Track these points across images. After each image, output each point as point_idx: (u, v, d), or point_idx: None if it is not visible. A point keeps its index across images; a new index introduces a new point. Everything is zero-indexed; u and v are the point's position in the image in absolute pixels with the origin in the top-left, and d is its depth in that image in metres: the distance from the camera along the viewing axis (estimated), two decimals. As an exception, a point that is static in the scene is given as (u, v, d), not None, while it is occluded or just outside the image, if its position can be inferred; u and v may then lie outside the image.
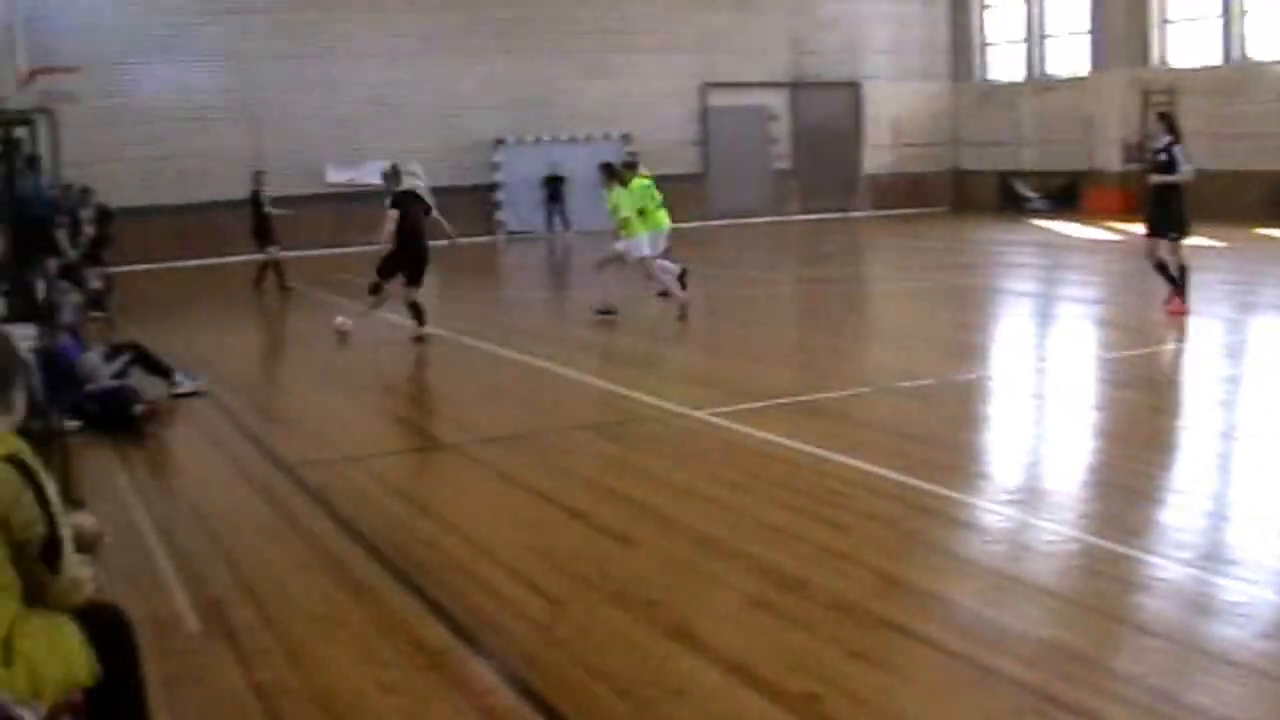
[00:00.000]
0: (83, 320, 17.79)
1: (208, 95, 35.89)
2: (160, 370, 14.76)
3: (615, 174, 20.82)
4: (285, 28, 36.68)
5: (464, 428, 12.47)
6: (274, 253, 26.93)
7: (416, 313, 18.52)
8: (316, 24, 37.03)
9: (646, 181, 20.89)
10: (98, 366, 13.73)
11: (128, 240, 31.20)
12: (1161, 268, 17.57)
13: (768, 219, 42.25)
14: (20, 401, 5.07)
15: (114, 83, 34.68)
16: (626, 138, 40.31)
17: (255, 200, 27.08)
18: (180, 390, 14.57)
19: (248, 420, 13.55)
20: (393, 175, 19.41)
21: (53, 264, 19.04)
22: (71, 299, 18.07)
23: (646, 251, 20.16)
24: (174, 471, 11.60)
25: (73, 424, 12.60)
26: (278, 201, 27.46)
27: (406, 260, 18.60)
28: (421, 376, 16.16)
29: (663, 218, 20.97)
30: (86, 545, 5.39)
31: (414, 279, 18.69)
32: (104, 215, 26.81)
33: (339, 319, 18.93)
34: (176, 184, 35.36)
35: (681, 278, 20.35)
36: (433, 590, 7.72)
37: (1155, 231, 17.67)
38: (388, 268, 18.74)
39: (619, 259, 20.33)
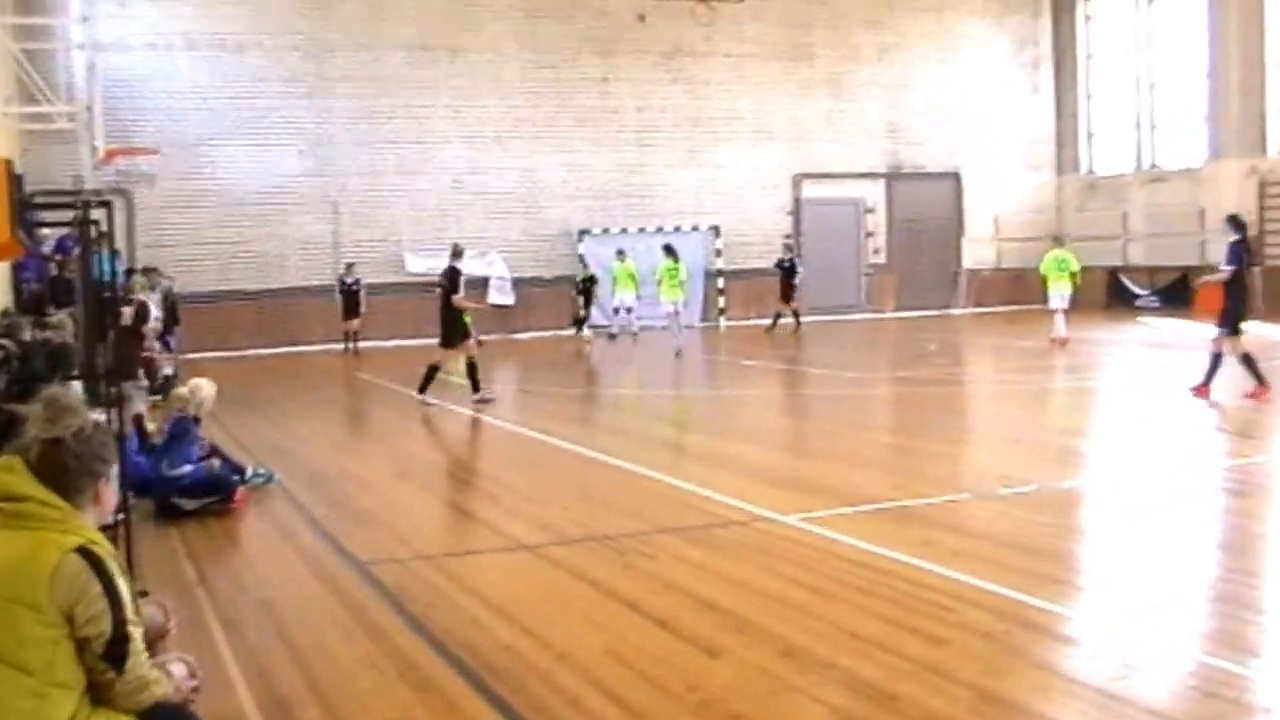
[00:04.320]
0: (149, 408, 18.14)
1: (287, 179, 36.42)
2: (233, 466, 14.87)
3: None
4: (366, 112, 37.23)
5: (544, 528, 12.43)
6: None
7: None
8: (397, 108, 37.55)
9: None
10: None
11: (203, 326, 31.72)
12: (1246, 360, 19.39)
13: (862, 315, 42.25)
14: (110, 495, 5.11)
15: (192, 165, 35.25)
16: (715, 230, 40.43)
17: None
18: (251, 484, 14.70)
19: (319, 513, 13.58)
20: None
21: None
22: (140, 386, 18.35)
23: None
24: (241, 564, 11.64)
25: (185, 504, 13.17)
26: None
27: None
28: (499, 474, 16.15)
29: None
30: (150, 639, 5.41)
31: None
32: (170, 299, 27.18)
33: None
34: (255, 270, 35.87)
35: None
36: (508, 696, 7.67)
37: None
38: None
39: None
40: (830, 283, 42.27)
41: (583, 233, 39.33)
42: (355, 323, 34.59)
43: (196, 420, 14.43)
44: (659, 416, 22.57)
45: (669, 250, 34.22)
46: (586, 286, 37.88)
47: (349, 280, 34.55)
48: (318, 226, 36.49)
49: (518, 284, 38.26)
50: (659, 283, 34.20)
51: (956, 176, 44.42)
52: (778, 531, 11.77)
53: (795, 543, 11.31)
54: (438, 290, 23.37)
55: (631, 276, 35.85)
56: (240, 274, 35.70)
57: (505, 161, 38.66)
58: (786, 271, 37.64)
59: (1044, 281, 31.45)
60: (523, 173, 38.92)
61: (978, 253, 44.65)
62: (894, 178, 43.63)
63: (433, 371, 22.53)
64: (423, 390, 22.45)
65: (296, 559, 11.63)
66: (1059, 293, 30.64)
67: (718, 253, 40.88)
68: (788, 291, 37.55)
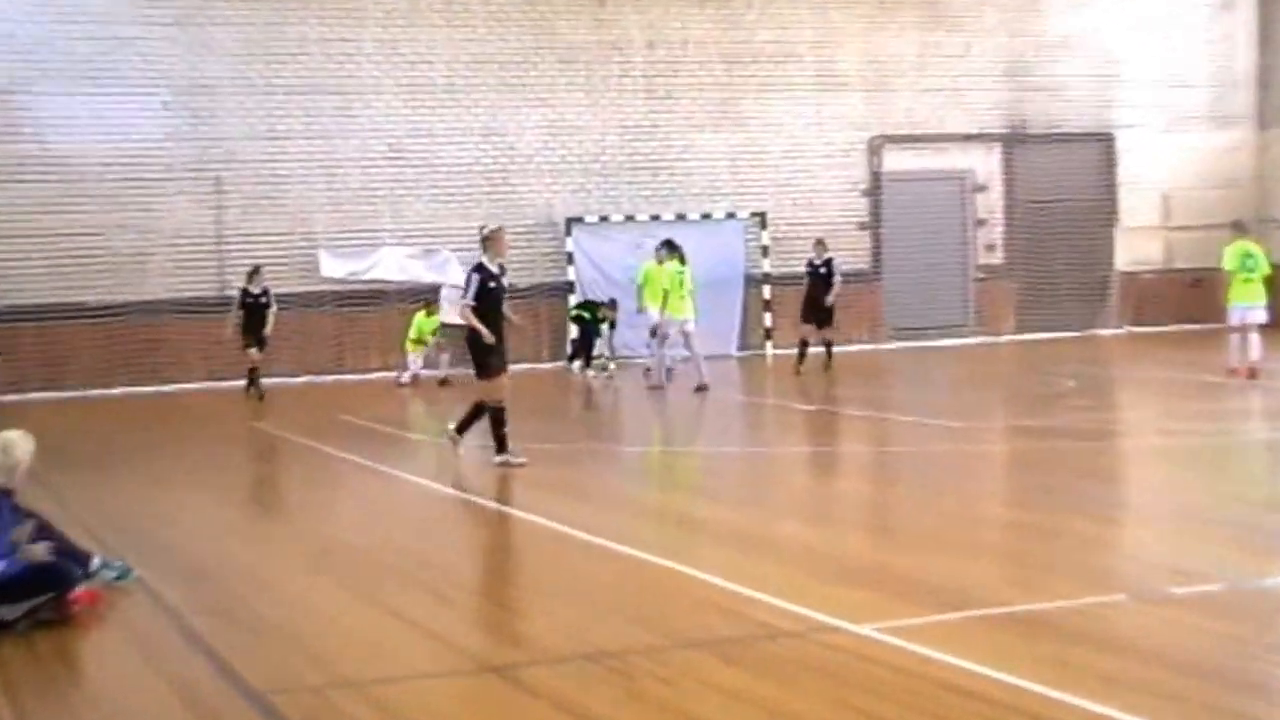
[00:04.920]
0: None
1: (147, 145, 36.14)
2: (71, 553, 14.86)
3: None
4: (260, 48, 36.91)
5: (517, 641, 12.50)
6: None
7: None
8: (306, 43, 37.21)
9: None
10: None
11: (26, 354, 31.56)
12: None
13: (970, 339, 42.09)
14: None
15: (12, 121, 34.78)
16: (760, 218, 40.01)
17: None
18: (100, 581, 14.71)
19: (198, 624, 13.61)
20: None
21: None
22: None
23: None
24: (81, 698, 11.64)
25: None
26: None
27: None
28: (454, 564, 16.20)
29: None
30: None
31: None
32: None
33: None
34: (102, 275, 35.36)
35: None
36: None
37: None
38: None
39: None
40: (924, 293, 42.22)
41: (572, 222, 39.27)
42: (258, 352, 33.49)
43: (8, 493, 14.36)
44: (680, 483, 22.62)
45: (671, 247, 33.53)
46: (597, 321, 37.38)
47: (255, 291, 33.39)
48: (193, 213, 36.16)
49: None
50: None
51: (1108, 139, 44.22)
52: (847, 646, 11.80)
53: (873, 662, 11.34)
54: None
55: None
56: (81, 281, 35.52)
57: (462, 120, 38.50)
58: (821, 279, 36.49)
59: (1228, 283, 30.85)
60: (486, 137, 38.73)
61: (1138, 248, 44.35)
62: (1016, 141, 43.44)
63: (500, 415, 22.23)
64: (502, 449, 22.07)
65: (164, 688, 11.63)
66: (1246, 303, 30.25)
67: (763, 250, 40.88)
68: (820, 311, 36.22)
